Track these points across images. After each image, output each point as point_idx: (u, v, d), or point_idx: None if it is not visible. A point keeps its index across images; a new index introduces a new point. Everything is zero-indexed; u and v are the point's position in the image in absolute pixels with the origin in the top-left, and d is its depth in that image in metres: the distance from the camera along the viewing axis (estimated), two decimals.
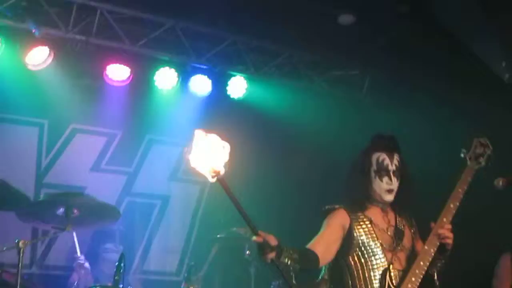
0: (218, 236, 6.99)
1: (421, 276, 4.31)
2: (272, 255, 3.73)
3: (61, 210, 5.46)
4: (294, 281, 4.31)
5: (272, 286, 6.88)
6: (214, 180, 3.37)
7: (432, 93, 7.34)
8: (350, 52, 7.97)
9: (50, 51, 6.77)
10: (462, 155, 4.50)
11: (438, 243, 4.34)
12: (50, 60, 6.83)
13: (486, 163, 4.54)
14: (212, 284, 7.07)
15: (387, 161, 4.48)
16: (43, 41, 6.72)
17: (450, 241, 4.34)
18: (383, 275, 4.37)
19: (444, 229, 4.34)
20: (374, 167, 4.50)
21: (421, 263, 4.31)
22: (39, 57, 6.80)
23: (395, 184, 4.45)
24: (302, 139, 8.00)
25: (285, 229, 7.25)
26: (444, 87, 7.25)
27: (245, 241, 6.79)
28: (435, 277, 4.43)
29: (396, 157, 4.50)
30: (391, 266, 4.38)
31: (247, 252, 6.81)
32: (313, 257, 4.21)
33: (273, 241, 3.75)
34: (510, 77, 6.48)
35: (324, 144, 7.96)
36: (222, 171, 3.37)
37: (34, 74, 6.95)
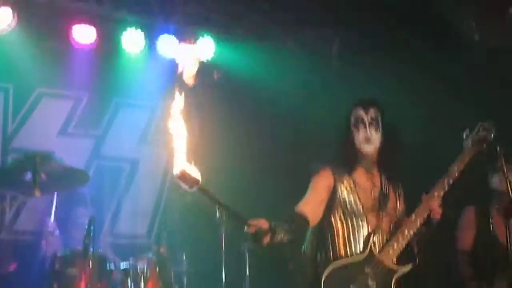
0: (188, 200, 6.98)
1: (404, 244, 4.42)
2: (267, 239, 3.83)
3: (28, 176, 5.38)
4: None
5: (242, 247, 6.92)
6: (195, 189, 3.42)
7: (404, 54, 7.30)
8: (321, 12, 7.91)
9: (13, 13, 6.64)
10: (464, 136, 4.54)
11: (425, 215, 4.45)
12: (14, 23, 6.71)
13: (487, 148, 4.62)
14: (183, 246, 7.04)
15: (362, 113, 4.61)
16: (6, 3, 6.58)
17: (438, 216, 4.47)
18: (367, 238, 4.45)
19: (435, 203, 4.45)
20: (353, 122, 4.63)
21: (406, 231, 4.43)
22: (2, 20, 6.67)
23: (373, 135, 4.56)
24: (272, 100, 7.95)
25: (261, 197, 7.36)
26: (416, 48, 7.21)
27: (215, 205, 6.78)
28: (416, 247, 4.55)
29: (373, 110, 4.61)
30: (374, 230, 4.46)
31: (217, 214, 6.82)
32: (303, 222, 4.32)
33: (264, 225, 3.83)
34: (480, 39, 6.48)
35: (294, 105, 7.94)
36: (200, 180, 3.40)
37: None
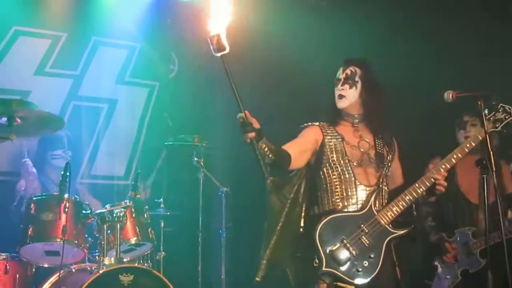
0: (166, 143, 6.98)
1: (402, 209, 4.53)
2: (252, 134, 3.98)
3: (3, 119, 5.32)
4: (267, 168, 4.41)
5: (220, 192, 6.95)
6: (219, 54, 3.82)
7: None
8: None
9: None
10: (483, 114, 4.52)
11: (429, 185, 4.55)
12: None
13: (502, 129, 4.66)
14: (160, 191, 7.07)
15: (340, 71, 4.81)
16: None
17: (442, 189, 4.57)
18: (368, 196, 4.59)
19: (441, 176, 4.55)
20: (334, 80, 4.84)
21: (407, 197, 4.55)
22: None
23: (345, 90, 4.73)
24: (256, 42, 7.83)
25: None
26: None
27: (193, 148, 6.81)
28: (414, 212, 4.74)
29: (350, 68, 4.78)
30: (374, 188, 4.60)
31: (195, 158, 6.84)
32: (286, 155, 4.46)
33: (256, 123, 4.02)
34: None
35: (277, 47, 7.82)
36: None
37: None
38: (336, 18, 7.60)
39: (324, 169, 4.63)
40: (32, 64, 7.31)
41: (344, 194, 4.57)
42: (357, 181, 4.58)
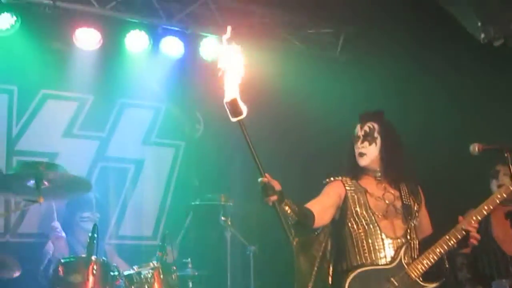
0: (193, 203, 6.98)
1: (433, 262, 4.50)
2: (274, 197, 3.92)
3: (31, 182, 5.37)
4: (292, 230, 4.39)
5: (248, 252, 6.91)
6: (235, 120, 3.77)
7: (406, 52, 7.26)
8: (324, 10, 7.86)
9: (17, 16, 6.66)
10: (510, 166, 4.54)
11: (460, 237, 4.51)
12: (17, 25, 6.71)
13: None
14: (188, 251, 7.03)
15: (357, 128, 4.84)
16: (9, 6, 6.58)
17: (475, 241, 4.53)
18: (398, 249, 4.54)
19: (473, 228, 4.51)
20: (352, 138, 4.86)
21: (437, 250, 4.51)
22: (5, 22, 6.67)
23: (365, 148, 4.75)
24: (276, 98, 7.91)
25: None
26: (418, 46, 7.17)
27: (219, 207, 6.79)
28: (446, 264, 4.65)
29: (368, 124, 4.80)
30: (403, 242, 4.56)
31: (222, 218, 6.82)
32: (310, 214, 4.41)
33: (277, 186, 3.96)
34: (485, 37, 6.42)
35: (298, 104, 7.89)
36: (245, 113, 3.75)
37: (2, 40, 6.85)
38: (354, 72, 7.68)
39: (349, 224, 4.61)
40: (60, 127, 7.43)
41: (371, 248, 4.53)
42: (383, 234, 4.55)
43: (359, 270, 4.46)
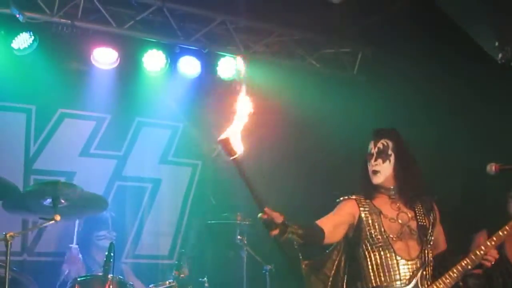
0: (210, 222, 6.98)
1: (449, 286, 4.48)
2: (275, 232, 3.87)
3: (48, 201, 5.39)
4: (299, 254, 4.36)
5: (264, 271, 6.87)
6: (231, 158, 3.66)
7: (423, 72, 7.25)
8: (341, 30, 7.89)
9: (35, 36, 6.70)
10: None
11: (478, 262, 4.51)
12: (35, 45, 6.76)
13: None
14: (204, 270, 7.02)
15: (371, 146, 4.76)
16: (28, 26, 6.63)
17: (489, 264, 4.54)
18: (415, 271, 4.49)
19: (493, 252, 4.52)
20: (366, 155, 4.78)
21: (454, 274, 4.50)
22: (24, 42, 6.72)
23: (379, 165, 4.68)
24: (293, 118, 7.92)
25: None
26: (435, 67, 7.16)
27: (236, 226, 6.77)
28: (461, 283, 4.63)
29: (381, 141, 4.73)
30: (416, 262, 4.51)
31: (238, 237, 6.80)
32: (319, 232, 4.36)
33: (278, 218, 3.87)
34: (502, 57, 6.40)
35: (315, 123, 7.89)
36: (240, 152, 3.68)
37: (20, 60, 6.90)
38: (371, 92, 7.67)
39: (364, 246, 4.56)
40: (77, 146, 7.47)
41: (386, 270, 4.48)
42: (397, 256, 4.49)
43: None
